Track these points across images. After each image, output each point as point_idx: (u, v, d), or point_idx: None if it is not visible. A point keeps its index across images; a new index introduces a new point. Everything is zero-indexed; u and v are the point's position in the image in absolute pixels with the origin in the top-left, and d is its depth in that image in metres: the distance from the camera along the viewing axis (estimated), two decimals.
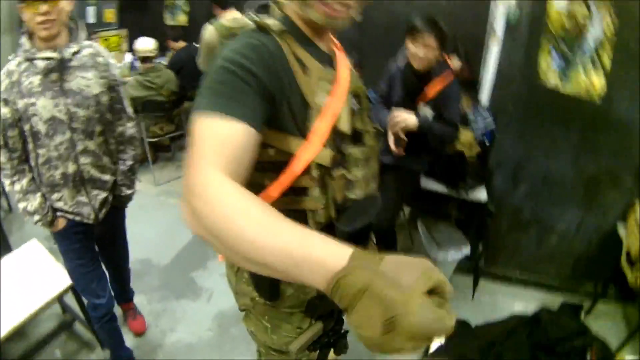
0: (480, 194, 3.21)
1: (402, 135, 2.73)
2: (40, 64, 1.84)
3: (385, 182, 2.70)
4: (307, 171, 1.08)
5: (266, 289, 1.30)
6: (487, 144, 3.40)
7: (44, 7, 1.69)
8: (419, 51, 2.65)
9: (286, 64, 1.06)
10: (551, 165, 3.31)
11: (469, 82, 4.58)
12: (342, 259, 0.63)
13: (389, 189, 2.84)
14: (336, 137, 1.15)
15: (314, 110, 1.08)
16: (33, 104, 1.86)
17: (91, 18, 6.23)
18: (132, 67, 5.75)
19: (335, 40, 1.31)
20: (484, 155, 3.42)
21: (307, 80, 1.08)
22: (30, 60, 1.86)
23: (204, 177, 0.78)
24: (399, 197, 3.05)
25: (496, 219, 3.42)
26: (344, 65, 1.24)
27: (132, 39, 6.67)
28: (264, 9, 1.22)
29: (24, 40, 1.87)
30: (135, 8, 6.81)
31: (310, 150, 1.06)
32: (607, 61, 3.01)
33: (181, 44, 5.46)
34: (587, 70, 3.06)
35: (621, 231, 3.16)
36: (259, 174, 1.07)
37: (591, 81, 3.07)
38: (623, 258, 2.96)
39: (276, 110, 1.02)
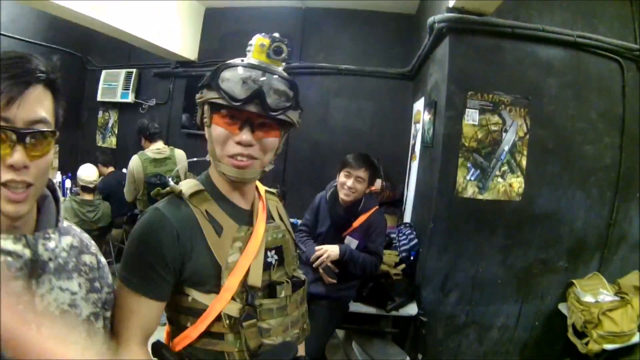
0: (410, 309, 3.34)
1: (332, 267, 2.92)
2: None
3: (315, 311, 2.79)
4: (218, 319, 1.20)
5: None
6: (412, 259, 3.61)
7: (20, 157, 0.83)
8: (349, 181, 2.89)
9: (195, 228, 1.21)
10: (480, 268, 3.51)
11: (393, 202, 4.91)
12: None
13: (318, 318, 2.88)
14: (247, 291, 1.24)
15: (225, 269, 1.21)
16: None
17: None
18: (62, 187, 5.76)
19: (260, 190, 1.45)
20: (411, 270, 3.60)
21: (220, 242, 1.23)
22: None
23: (127, 352, 1.14)
24: (330, 325, 3.09)
25: (431, 327, 3.52)
26: (262, 220, 1.34)
27: (62, 155, 6.80)
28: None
29: None
30: (69, 126, 6.99)
31: (219, 303, 1.20)
32: (523, 161, 3.39)
33: (110, 169, 5.60)
34: (504, 174, 3.38)
35: (563, 310, 3.47)
36: (182, 316, 1.24)
37: (509, 183, 3.39)
38: (570, 332, 3.27)
39: (185, 275, 1.20)
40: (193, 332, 1.21)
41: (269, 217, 1.41)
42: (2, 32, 5.73)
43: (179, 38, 5.80)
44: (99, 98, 6.87)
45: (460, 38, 3.35)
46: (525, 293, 3.60)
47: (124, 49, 6.36)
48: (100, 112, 7.13)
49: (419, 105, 4.49)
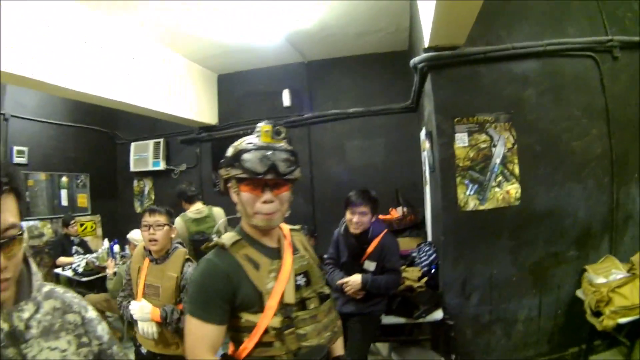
0: (436, 315, 3.82)
1: (357, 294, 3.46)
2: None
3: (351, 328, 3.37)
4: (266, 332, 1.63)
5: None
6: (433, 272, 4.13)
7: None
8: (354, 217, 3.42)
9: (239, 268, 1.65)
10: (494, 270, 3.95)
11: (416, 225, 5.50)
12: None
13: (354, 333, 3.41)
14: (285, 307, 1.65)
15: (265, 294, 1.64)
16: None
17: (64, 201, 7.15)
18: (111, 251, 6.39)
19: (285, 229, 1.88)
20: (434, 281, 4.10)
21: (259, 275, 1.66)
22: None
23: None
24: (365, 338, 3.57)
25: (460, 329, 3.96)
26: (288, 253, 1.77)
27: (104, 225, 7.56)
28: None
29: None
30: (106, 196, 7.82)
31: (265, 319, 1.62)
32: (516, 169, 3.86)
33: None
34: (500, 184, 3.85)
35: (580, 295, 3.81)
36: (240, 334, 1.67)
37: (506, 190, 3.86)
38: (588, 313, 3.59)
39: (237, 302, 1.63)
40: (249, 343, 1.64)
41: (295, 250, 1.83)
42: (31, 118, 6.55)
43: (198, 106, 6.49)
44: (132, 169, 7.66)
45: (440, 72, 3.90)
46: (541, 285, 3.98)
47: (149, 121, 6.98)
48: (135, 181, 7.93)
49: (423, 134, 4.97)
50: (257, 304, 1.64)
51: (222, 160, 1.76)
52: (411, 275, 4.07)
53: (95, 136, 7.79)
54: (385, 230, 3.63)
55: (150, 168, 7.49)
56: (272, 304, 1.63)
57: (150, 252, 3.09)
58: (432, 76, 3.95)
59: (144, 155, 7.54)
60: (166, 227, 3.07)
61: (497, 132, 3.89)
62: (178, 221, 4.79)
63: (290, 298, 1.68)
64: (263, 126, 1.70)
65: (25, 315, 1.11)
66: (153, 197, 7.80)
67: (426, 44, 3.76)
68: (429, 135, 4.27)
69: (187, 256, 3.13)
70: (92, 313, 1.29)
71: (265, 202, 1.67)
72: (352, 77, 6.42)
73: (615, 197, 4.02)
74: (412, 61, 4.06)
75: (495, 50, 3.87)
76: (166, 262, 3.07)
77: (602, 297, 3.49)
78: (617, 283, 3.52)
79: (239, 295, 1.63)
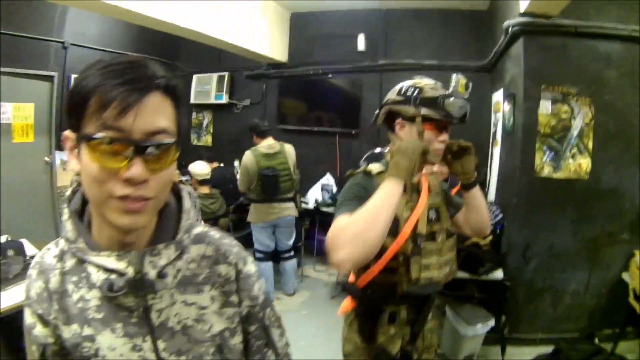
0: (497, 274, 4.01)
1: None
2: (97, 276, 0.90)
3: None
4: (394, 258, 1.77)
5: (366, 334, 1.97)
6: (498, 232, 4.34)
7: (138, 171, 0.80)
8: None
9: None
10: (555, 239, 4.17)
11: (480, 184, 5.64)
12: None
13: None
14: (416, 236, 1.80)
15: (401, 221, 1.78)
16: (90, 338, 0.91)
17: None
18: None
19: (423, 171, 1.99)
20: (497, 242, 4.31)
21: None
22: (80, 261, 0.93)
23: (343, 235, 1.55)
24: None
25: (513, 292, 4.15)
26: (424, 190, 1.91)
27: None
28: (377, 158, 2.07)
29: (65, 217, 0.94)
30: None
31: (397, 244, 1.75)
32: (590, 144, 4.01)
33: (214, 164, 6.52)
34: (574, 156, 4.02)
35: (626, 278, 4.02)
36: None
37: (579, 163, 4.03)
38: (631, 296, 3.80)
39: None
40: (376, 268, 1.78)
41: (429, 188, 1.97)
42: (91, 46, 6.60)
43: (269, 42, 6.59)
44: (192, 101, 7.82)
45: (533, 38, 4.00)
46: (593, 262, 4.20)
47: (212, 54, 7.20)
48: (194, 114, 8.11)
49: (498, 96, 5.12)
50: (391, 230, 1.65)
51: (403, 99, 1.92)
52: None
53: None
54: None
55: (212, 101, 7.65)
56: (406, 231, 1.78)
57: None
58: (524, 41, 4.05)
59: (206, 88, 7.70)
60: None
61: (579, 106, 4.01)
62: (248, 154, 5.04)
63: (423, 228, 1.84)
64: (462, 78, 1.96)
65: (162, 261, 0.92)
66: (212, 130, 8.02)
67: (522, 9, 3.86)
68: (510, 97, 4.39)
69: None
70: (251, 267, 1.09)
71: (442, 141, 1.89)
72: (429, 30, 6.43)
73: None
74: (507, 22, 4.14)
75: (585, 27, 3.95)
76: None
77: None
78: None
79: None
